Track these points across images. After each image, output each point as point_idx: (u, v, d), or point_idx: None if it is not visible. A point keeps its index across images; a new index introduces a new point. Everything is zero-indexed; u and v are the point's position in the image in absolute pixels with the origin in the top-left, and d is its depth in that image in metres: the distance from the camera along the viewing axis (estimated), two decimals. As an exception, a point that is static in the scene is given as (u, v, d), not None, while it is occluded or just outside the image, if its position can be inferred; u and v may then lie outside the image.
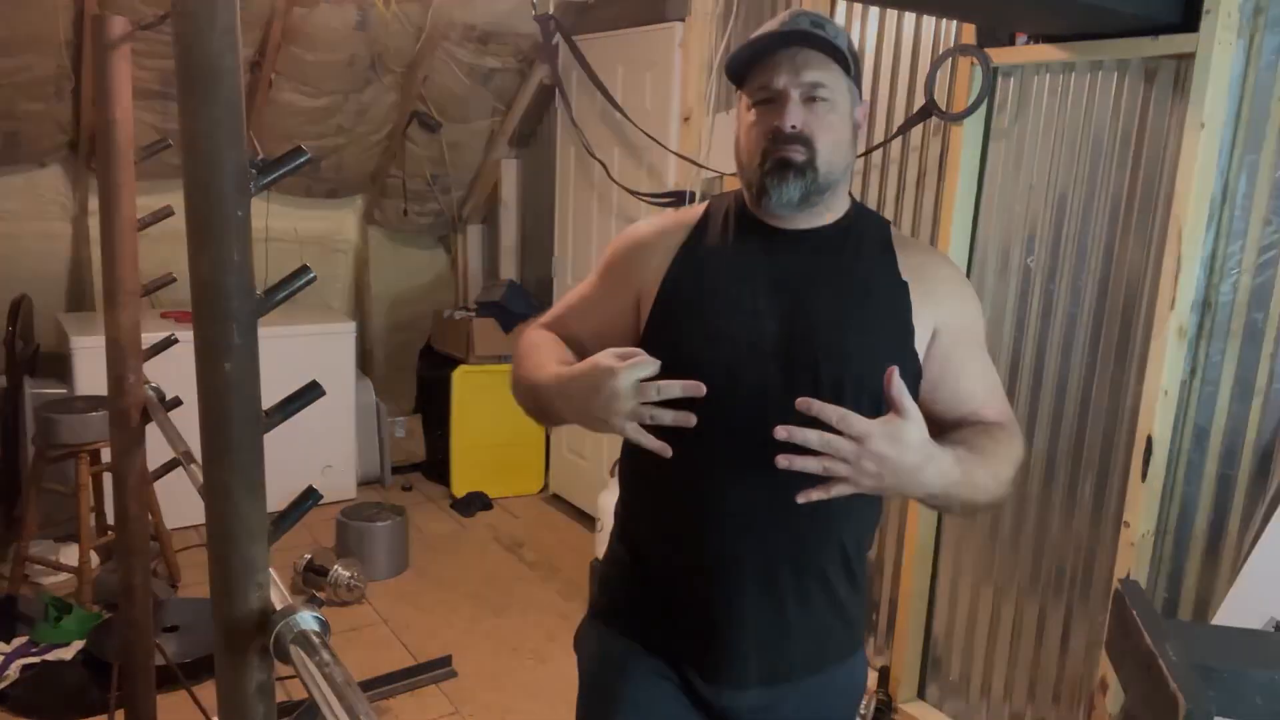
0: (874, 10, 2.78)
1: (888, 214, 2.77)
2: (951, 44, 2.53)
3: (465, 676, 2.88)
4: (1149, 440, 2.10)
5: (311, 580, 3.27)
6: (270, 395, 0.84)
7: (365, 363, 4.96)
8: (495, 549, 3.85)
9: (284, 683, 2.79)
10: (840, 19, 2.86)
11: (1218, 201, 2.02)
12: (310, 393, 0.87)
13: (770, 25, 1.27)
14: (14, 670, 2.67)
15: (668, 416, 1.13)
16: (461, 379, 4.26)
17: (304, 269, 0.83)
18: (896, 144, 2.74)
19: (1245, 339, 2.02)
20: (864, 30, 2.81)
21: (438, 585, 3.49)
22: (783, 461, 1.05)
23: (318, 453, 4.04)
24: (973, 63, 2.41)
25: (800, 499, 1.08)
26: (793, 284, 1.27)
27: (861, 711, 2.66)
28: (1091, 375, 2.30)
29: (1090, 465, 2.32)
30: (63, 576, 3.29)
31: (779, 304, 1.26)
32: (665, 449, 1.14)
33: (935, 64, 2.51)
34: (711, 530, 1.27)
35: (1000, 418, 1.29)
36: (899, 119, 2.72)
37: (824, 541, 1.29)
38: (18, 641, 2.81)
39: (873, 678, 2.83)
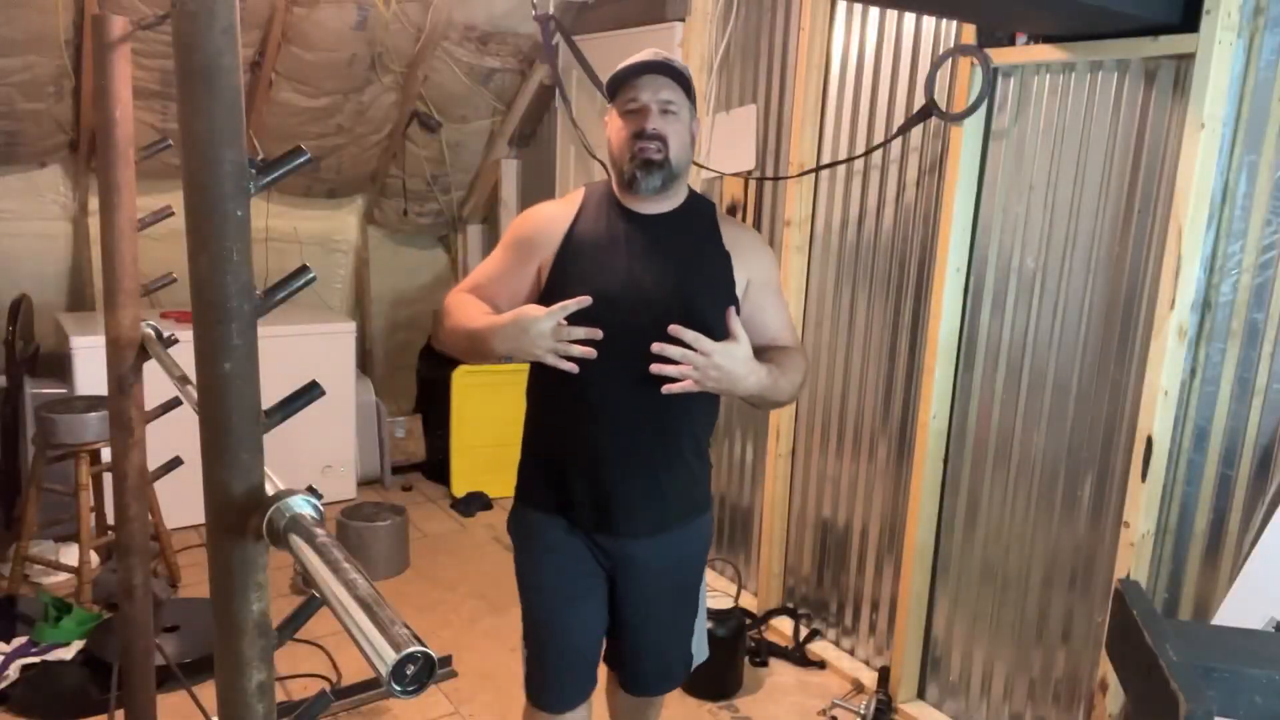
0: (874, 10, 2.78)
1: (888, 214, 2.79)
2: (951, 44, 2.53)
3: (465, 676, 2.88)
4: (1149, 440, 2.10)
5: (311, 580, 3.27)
6: (270, 395, 0.84)
7: (365, 363, 4.96)
8: (495, 549, 3.85)
9: (284, 683, 2.79)
10: (840, 19, 2.87)
11: (1218, 201, 2.02)
12: (310, 393, 0.87)
13: (637, 58, 1.71)
14: (14, 670, 2.67)
15: (576, 350, 1.56)
16: (461, 379, 4.26)
17: (304, 269, 0.84)
18: (896, 144, 2.74)
19: (1245, 339, 2.02)
20: (864, 30, 2.82)
21: (438, 585, 3.49)
22: (655, 368, 1.54)
23: (318, 453, 4.04)
24: (973, 63, 2.41)
25: (664, 390, 1.55)
26: (654, 253, 1.74)
27: (861, 711, 2.66)
28: (1091, 375, 2.30)
29: (1090, 465, 2.32)
30: (63, 576, 3.29)
31: (645, 267, 1.73)
32: (574, 368, 1.57)
33: (935, 64, 2.51)
34: (604, 427, 1.74)
35: (792, 344, 1.81)
36: (899, 119, 2.72)
37: (680, 429, 1.78)
38: (18, 641, 2.81)
39: (873, 678, 2.83)
